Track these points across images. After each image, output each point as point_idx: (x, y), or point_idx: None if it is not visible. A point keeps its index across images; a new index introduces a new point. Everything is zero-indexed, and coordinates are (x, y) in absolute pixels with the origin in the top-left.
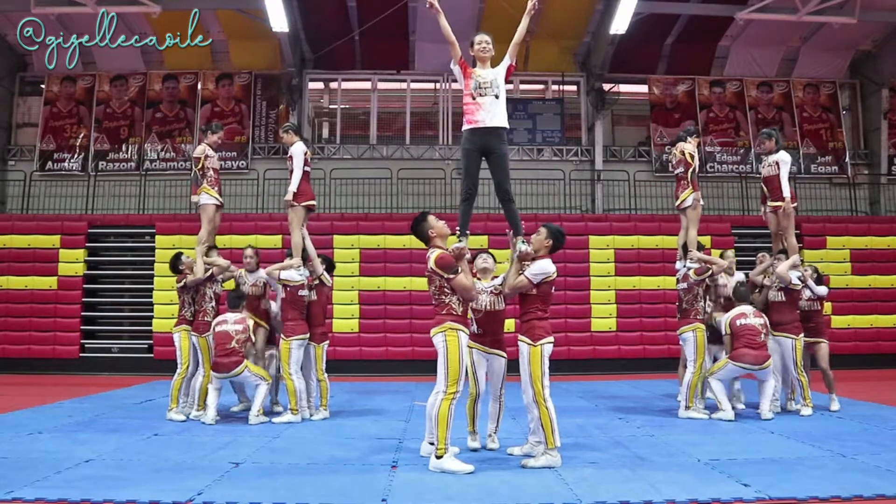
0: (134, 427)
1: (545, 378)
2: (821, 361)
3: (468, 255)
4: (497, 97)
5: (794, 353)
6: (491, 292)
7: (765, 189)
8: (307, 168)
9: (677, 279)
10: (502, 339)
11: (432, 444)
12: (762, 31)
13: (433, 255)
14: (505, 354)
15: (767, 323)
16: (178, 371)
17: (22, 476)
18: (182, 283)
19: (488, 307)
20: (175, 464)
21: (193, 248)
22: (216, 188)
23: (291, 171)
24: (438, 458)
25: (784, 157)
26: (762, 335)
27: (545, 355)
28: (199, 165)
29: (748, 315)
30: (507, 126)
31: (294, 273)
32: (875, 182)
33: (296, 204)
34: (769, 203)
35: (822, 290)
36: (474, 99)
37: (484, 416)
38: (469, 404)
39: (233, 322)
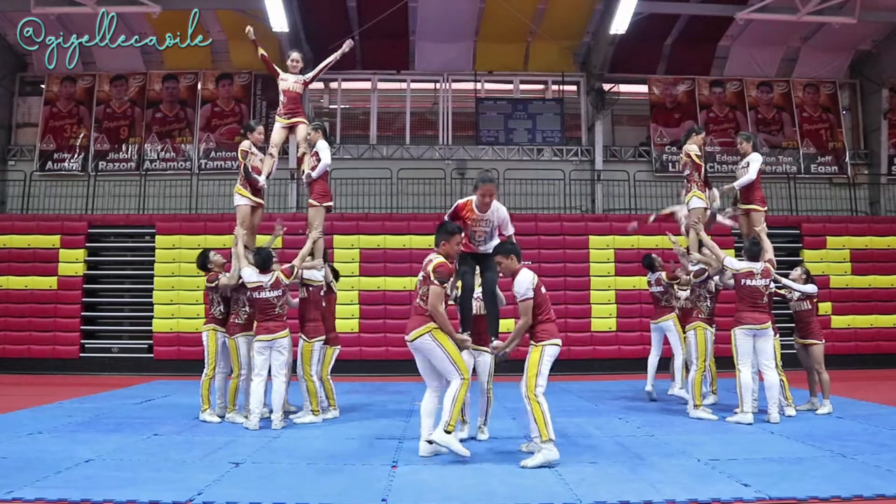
0: (134, 427)
1: (541, 377)
2: (814, 363)
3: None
4: (488, 234)
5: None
6: (476, 299)
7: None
8: (328, 168)
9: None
10: (487, 338)
11: (430, 442)
12: (762, 31)
13: (435, 261)
14: (489, 353)
15: (771, 285)
16: (205, 371)
17: (22, 476)
18: (214, 285)
19: (475, 312)
20: (175, 464)
21: (193, 248)
22: (250, 187)
23: (314, 167)
24: (448, 432)
25: (756, 157)
26: (764, 297)
27: (546, 355)
28: (247, 160)
29: (756, 275)
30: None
31: (317, 273)
32: (875, 182)
33: (318, 204)
34: (740, 205)
35: (809, 287)
36: (471, 241)
37: (474, 413)
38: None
39: (269, 288)
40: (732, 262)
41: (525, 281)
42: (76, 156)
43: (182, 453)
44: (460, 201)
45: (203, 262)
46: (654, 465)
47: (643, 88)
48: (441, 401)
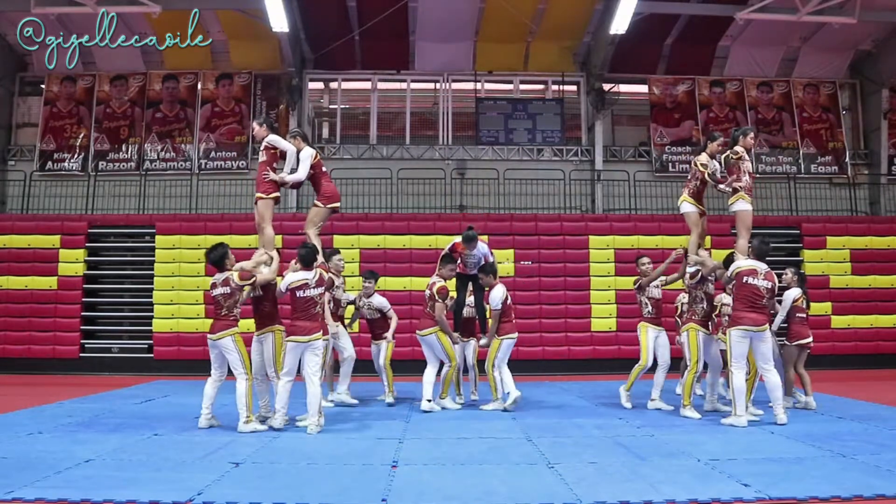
0: (134, 427)
1: (497, 359)
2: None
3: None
4: (475, 263)
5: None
6: (469, 306)
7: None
8: (325, 169)
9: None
10: (475, 332)
11: (429, 401)
12: (762, 31)
13: (438, 284)
14: (475, 340)
15: (775, 287)
16: (244, 378)
17: (22, 476)
18: (252, 282)
19: (465, 315)
20: (175, 464)
21: (193, 248)
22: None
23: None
24: (442, 398)
25: None
26: (765, 299)
27: (503, 346)
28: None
29: (758, 274)
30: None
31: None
32: (875, 182)
33: (321, 204)
34: None
35: (789, 294)
36: (465, 266)
37: (465, 383)
38: (455, 374)
39: (314, 285)
40: (738, 261)
41: (499, 295)
42: (76, 156)
43: (182, 453)
44: (456, 241)
45: (223, 257)
46: (654, 465)
47: (643, 88)
48: (436, 373)
